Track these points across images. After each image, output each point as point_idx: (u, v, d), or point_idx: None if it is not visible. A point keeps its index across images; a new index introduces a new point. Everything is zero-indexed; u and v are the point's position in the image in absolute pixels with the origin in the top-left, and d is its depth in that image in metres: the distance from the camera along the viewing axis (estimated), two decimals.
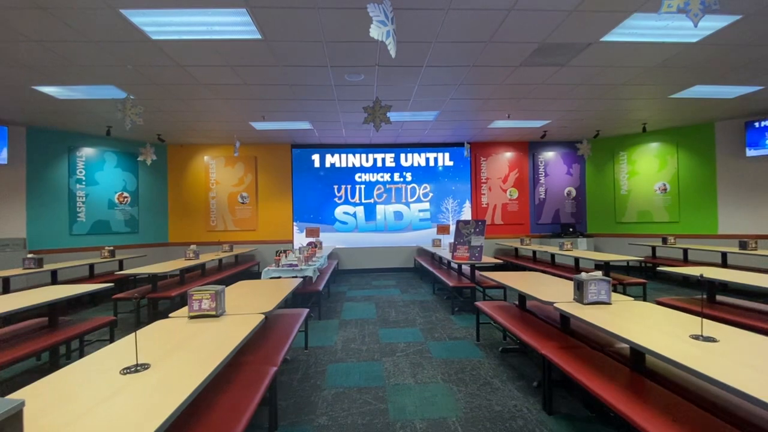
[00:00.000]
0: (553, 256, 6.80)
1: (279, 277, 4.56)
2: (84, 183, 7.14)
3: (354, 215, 8.72)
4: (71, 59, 4.05)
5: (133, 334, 1.77)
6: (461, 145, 8.58)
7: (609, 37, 3.80)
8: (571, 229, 8.45)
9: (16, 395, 1.28)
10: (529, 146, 8.87)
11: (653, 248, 7.42)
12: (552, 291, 2.95)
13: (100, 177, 7.36)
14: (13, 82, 4.63)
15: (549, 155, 8.89)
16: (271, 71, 4.49)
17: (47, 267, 5.08)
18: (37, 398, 1.27)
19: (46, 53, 3.90)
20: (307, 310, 3.62)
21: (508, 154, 8.85)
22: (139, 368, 1.49)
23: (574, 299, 2.54)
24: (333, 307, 5.51)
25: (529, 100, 5.81)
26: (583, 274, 2.51)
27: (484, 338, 3.93)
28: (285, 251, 5.44)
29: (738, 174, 7.08)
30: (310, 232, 8.01)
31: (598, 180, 8.86)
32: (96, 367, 1.55)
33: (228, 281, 3.98)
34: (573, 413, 2.45)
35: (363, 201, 8.73)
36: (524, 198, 8.86)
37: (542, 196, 8.87)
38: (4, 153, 6.12)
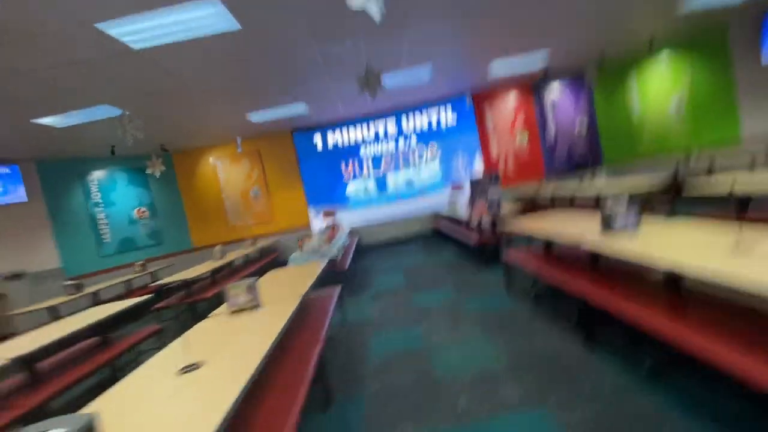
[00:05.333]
0: (572, 194, 6.67)
1: (305, 262, 4.65)
2: (102, 206, 7.33)
3: (366, 190, 8.71)
4: (61, 85, 4.05)
5: (182, 337, 1.85)
6: (462, 96, 8.31)
7: None
8: (589, 163, 8.23)
9: (89, 408, 1.37)
10: (533, 87, 8.52)
11: (676, 167, 7.16)
12: (577, 228, 2.91)
13: (116, 197, 7.52)
14: (13, 118, 4.68)
15: (554, 93, 8.53)
16: (257, 59, 4.38)
17: (88, 290, 5.33)
18: (107, 408, 1.36)
19: (37, 83, 3.90)
20: (339, 287, 3.70)
21: (512, 99, 8.54)
22: (194, 367, 1.57)
23: (601, 232, 2.50)
24: (362, 282, 5.62)
25: (525, 30, 5.46)
26: (608, 205, 2.45)
27: (515, 288, 3.96)
28: (306, 236, 5.52)
29: (759, 76, 6.65)
30: (327, 214, 8.07)
31: (608, 109, 8.50)
32: (155, 371, 1.64)
33: (257, 274, 4.08)
34: (615, 344, 2.48)
35: (372, 174, 8.67)
36: (535, 142, 8.62)
37: (553, 136, 8.61)
38: (22, 191, 6.29)
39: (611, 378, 2.13)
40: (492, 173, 4.85)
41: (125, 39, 3.46)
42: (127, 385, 1.55)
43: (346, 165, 8.66)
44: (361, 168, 8.66)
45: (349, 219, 8.57)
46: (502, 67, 7.00)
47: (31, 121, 4.86)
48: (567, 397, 2.04)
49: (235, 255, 6.39)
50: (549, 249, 3.59)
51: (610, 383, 2.09)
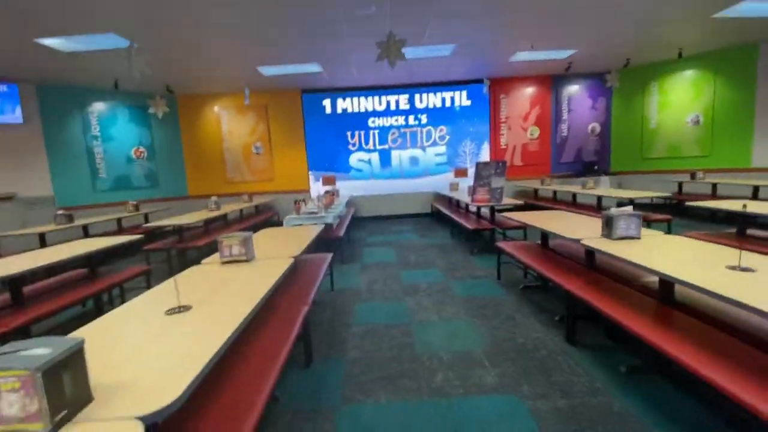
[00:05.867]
0: (574, 195, 6.66)
1: (300, 225, 4.63)
2: (100, 139, 7.17)
3: (369, 162, 8.61)
4: (69, 3, 3.84)
5: (172, 279, 1.84)
6: (479, 81, 8.12)
7: None
8: (596, 167, 8.18)
9: (73, 335, 1.37)
10: (552, 80, 8.33)
11: (680, 184, 7.16)
12: (576, 228, 2.91)
13: (115, 132, 7.36)
14: (16, 35, 4.47)
15: (573, 89, 8.36)
16: (276, 6, 4.19)
17: (78, 222, 5.28)
18: (92, 338, 1.35)
19: None
20: (331, 254, 3.70)
21: (530, 90, 8.36)
22: (182, 309, 1.56)
23: (602, 235, 2.50)
24: (354, 252, 5.64)
25: (555, 27, 5.35)
26: (613, 210, 2.44)
27: (505, 277, 3.99)
28: (303, 200, 5.48)
29: None
30: (327, 180, 8.00)
31: (625, 114, 8.37)
32: (142, 309, 1.63)
33: (250, 230, 4.05)
34: (595, 343, 2.52)
35: (377, 147, 8.55)
36: (545, 137, 8.51)
37: (564, 134, 8.50)
38: (18, 112, 6.11)
39: (588, 375, 2.17)
40: (499, 162, 4.79)
41: None
42: (113, 318, 1.54)
43: (353, 134, 8.51)
44: (367, 140, 8.53)
45: (348, 189, 8.51)
46: (524, 58, 6.81)
47: (34, 40, 4.66)
48: (541, 388, 2.09)
49: (230, 208, 6.35)
50: (545, 244, 3.60)
51: (586, 379, 2.13)
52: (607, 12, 4.88)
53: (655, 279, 2.44)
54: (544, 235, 3.55)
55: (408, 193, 8.66)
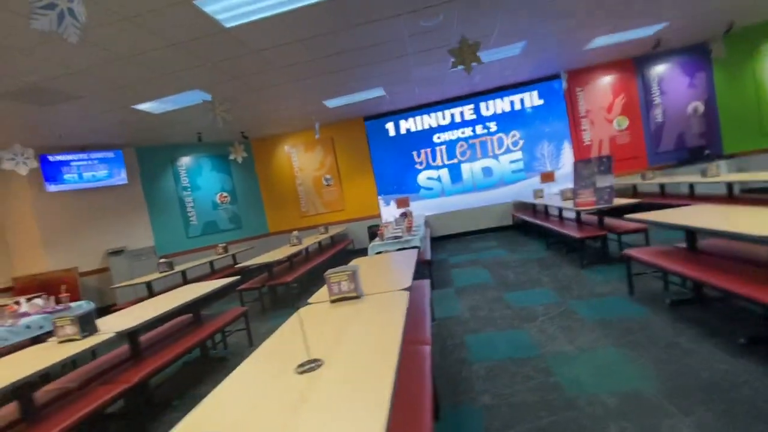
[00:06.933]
0: (691, 186, 5.67)
1: (384, 251, 4.39)
2: (189, 190, 7.75)
3: (438, 179, 8.28)
4: (158, 69, 4.15)
5: (286, 325, 1.64)
6: (550, 78, 7.52)
7: None
8: (706, 152, 7.01)
9: (203, 408, 1.18)
10: (635, 63, 7.43)
11: None
12: (742, 223, 2.28)
13: (201, 182, 7.92)
14: (117, 105, 4.97)
15: (662, 69, 7.37)
16: (341, 37, 4.17)
17: (177, 269, 5.60)
18: (222, 409, 1.15)
19: (137, 68, 4.03)
20: (428, 280, 3.38)
21: (609, 78, 7.53)
22: (313, 365, 1.32)
23: None
24: (441, 275, 5.25)
25: (642, 3, 4.71)
26: None
27: (639, 292, 3.33)
28: (384, 225, 5.29)
29: None
30: (401, 203, 7.79)
31: (733, 86, 7.14)
32: (267, 366, 1.43)
33: (331, 261, 3.89)
34: None
35: (446, 162, 8.21)
36: (636, 126, 7.54)
37: (659, 120, 7.46)
38: (123, 174, 6.82)
39: None
40: (602, 157, 4.18)
41: (219, 17, 3.41)
42: (239, 379, 1.35)
43: (418, 153, 8.29)
44: (434, 157, 8.24)
45: (419, 209, 8.21)
46: (601, 44, 6.15)
47: (131, 107, 5.14)
48: None
49: (309, 241, 6.37)
50: (692, 246, 2.93)
51: None
52: None
53: None
54: (691, 236, 2.90)
55: (484, 206, 8.12)
